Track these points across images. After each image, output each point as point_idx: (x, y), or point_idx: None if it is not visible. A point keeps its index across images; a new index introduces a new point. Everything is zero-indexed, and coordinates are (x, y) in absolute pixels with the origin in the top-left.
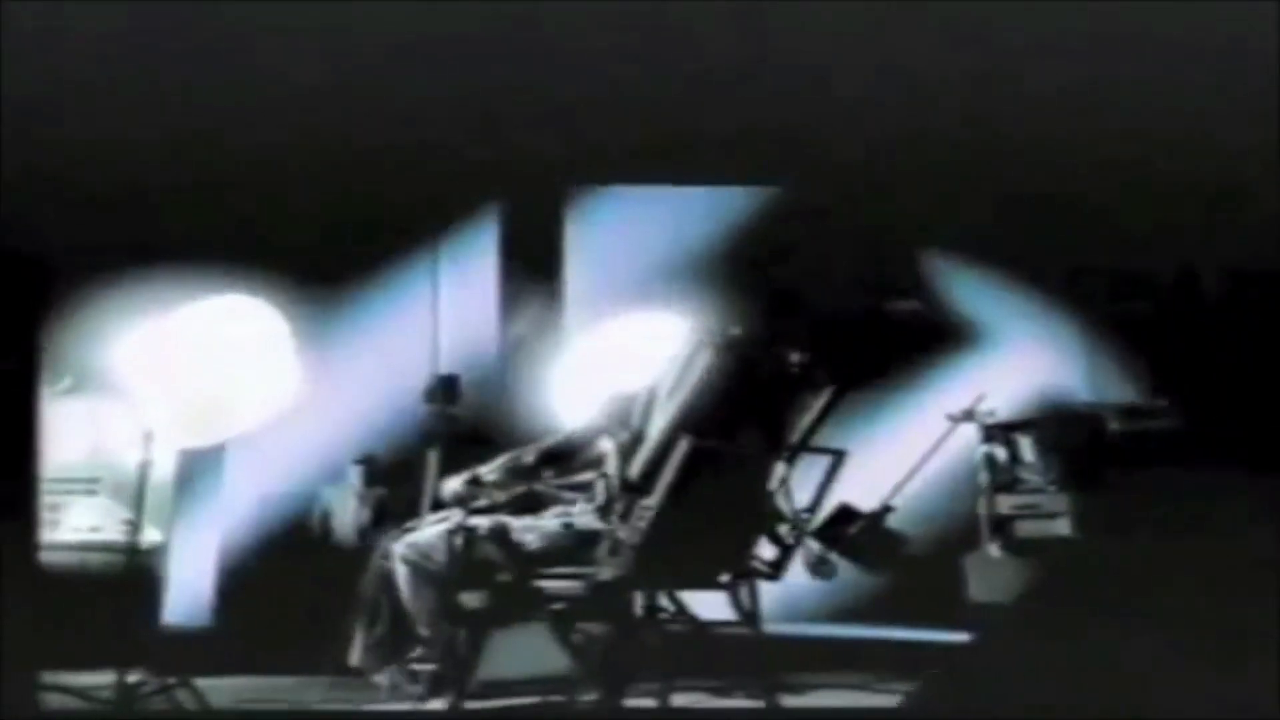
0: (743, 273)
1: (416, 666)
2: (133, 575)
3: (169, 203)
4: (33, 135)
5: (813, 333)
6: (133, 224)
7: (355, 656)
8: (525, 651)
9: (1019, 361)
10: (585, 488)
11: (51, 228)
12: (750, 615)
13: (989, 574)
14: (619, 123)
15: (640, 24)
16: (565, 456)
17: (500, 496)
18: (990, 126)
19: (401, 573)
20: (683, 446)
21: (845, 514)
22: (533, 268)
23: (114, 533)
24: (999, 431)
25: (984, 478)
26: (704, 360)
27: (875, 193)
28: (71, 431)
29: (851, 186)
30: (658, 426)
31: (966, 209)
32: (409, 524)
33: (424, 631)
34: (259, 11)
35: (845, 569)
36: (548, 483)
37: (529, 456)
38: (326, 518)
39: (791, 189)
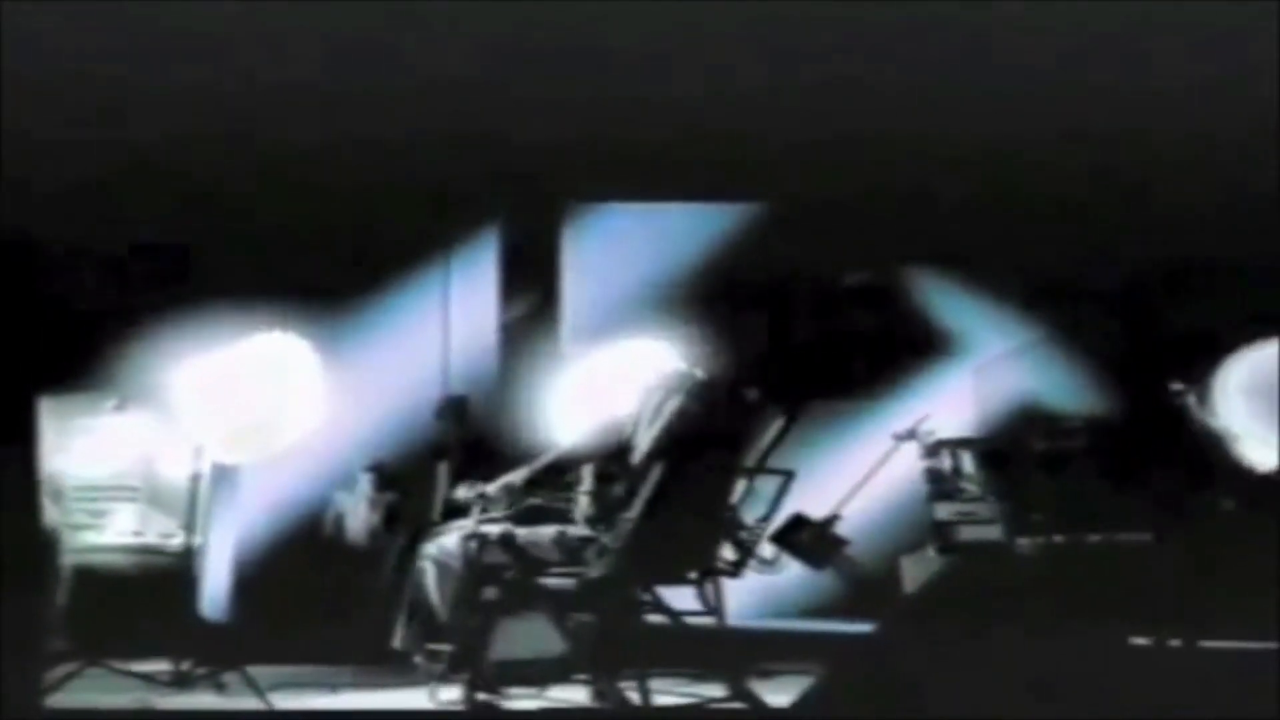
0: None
1: (439, 647)
2: (174, 573)
3: (186, 235)
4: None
5: (767, 370)
6: (162, 254)
7: (398, 641)
8: (529, 637)
9: (966, 379)
10: (570, 502)
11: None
12: (715, 607)
13: (924, 572)
14: (616, 141)
15: (637, 43)
16: (555, 476)
17: (500, 509)
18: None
19: (429, 571)
20: (657, 470)
21: (798, 521)
22: (532, 282)
23: (153, 536)
24: (945, 446)
25: (925, 489)
26: (674, 399)
27: (859, 207)
28: (117, 445)
29: (837, 202)
30: (638, 452)
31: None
32: (436, 530)
33: (447, 619)
34: (267, 36)
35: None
36: (544, 498)
37: (523, 476)
38: (340, 520)
39: (780, 205)
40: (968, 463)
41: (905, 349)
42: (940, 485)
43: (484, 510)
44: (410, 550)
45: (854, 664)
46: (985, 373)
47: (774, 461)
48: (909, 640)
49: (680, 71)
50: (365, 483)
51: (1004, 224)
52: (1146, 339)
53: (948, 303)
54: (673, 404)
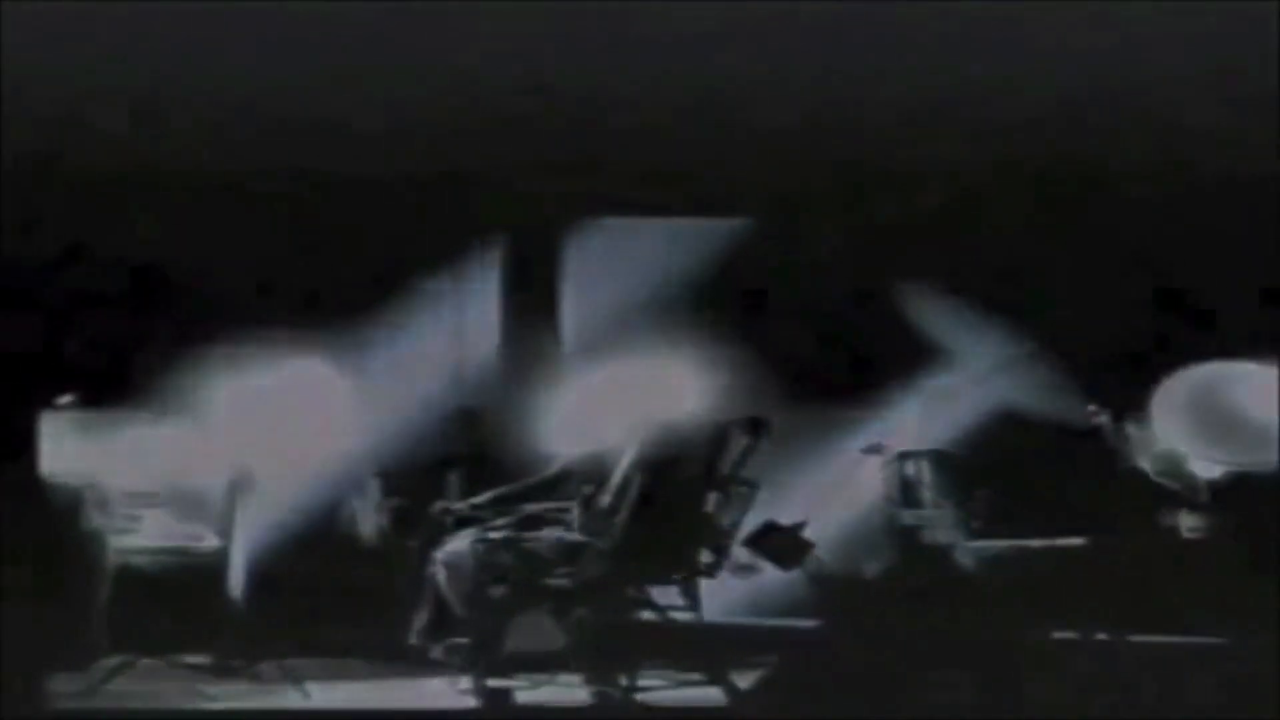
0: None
1: (455, 642)
2: (202, 573)
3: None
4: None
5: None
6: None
7: (413, 638)
8: (534, 632)
9: (933, 393)
10: (566, 511)
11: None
12: (695, 604)
13: (886, 573)
14: (614, 158)
15: (630, 67)
16: (545, 489)
17: (493, 518)
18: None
19: (441, 574)
20: (637, 481)
21: (770, 526)
22: (536, 296)
23: (182, 539)
24: (909, 457)
25: (889, 497)
26: (651, 424)
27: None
28: (150, 454)
29: (830, 215)
30: (621, 468)
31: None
32: (447, 535)
33: (460, 616)
34: (280, 60)
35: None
36: (538, 508)
37: (516, 489)
38: (352, 523)
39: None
40: (929, 472)
41: (880, 362)
42: (904, 494)
43: (480, 519)
44: (424, 553)
45: (807, 655)
46: (952, 387)
47: (752, 473)
48: (859, 633)
49: (676, 89)
50: (374, 488)
51: (981, 243)
52: (1095, 358)
53: (922, 318)
54: (650, 429)
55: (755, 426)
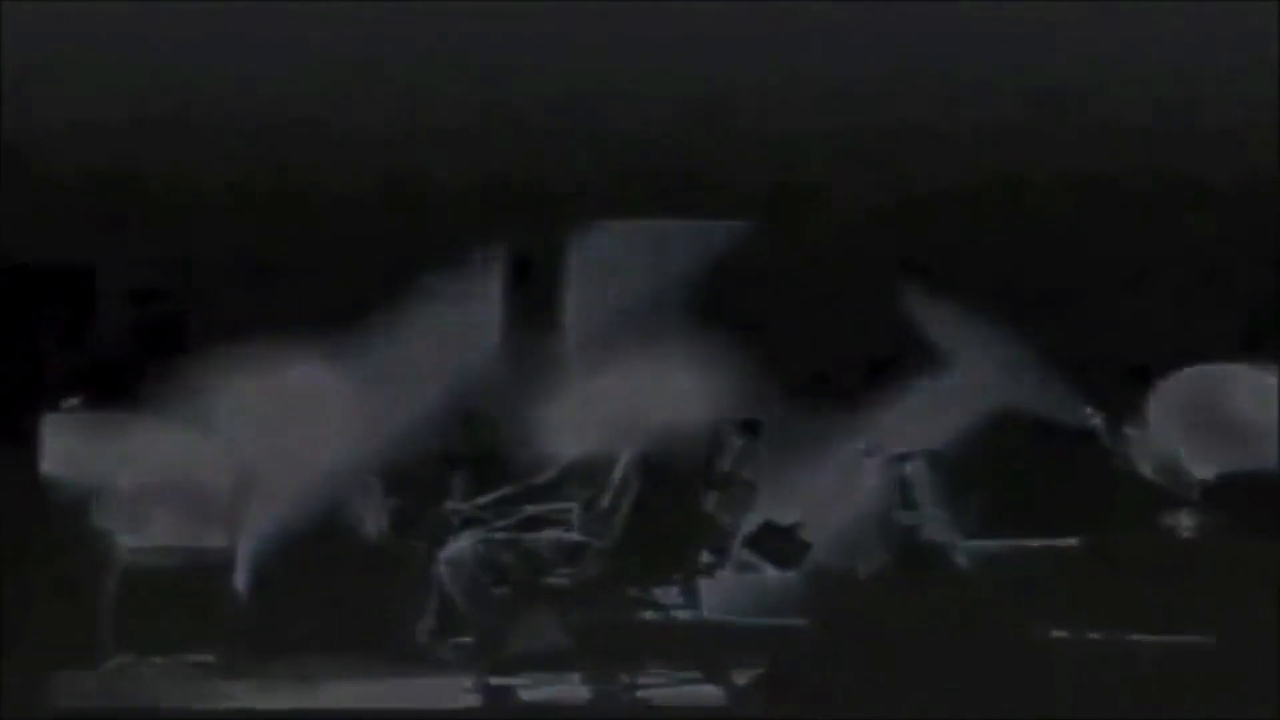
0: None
1: (460, 641)
2: (208, 572)
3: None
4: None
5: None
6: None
7: (421, 636)
8: (536, 631)
9: (932, 393)
10: (567, 512)
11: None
12: (694, 603)
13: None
14: (615, 159)
15: (631, 69)
16: (547, 490)
17: (495, 519)
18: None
19: (446, 574)
20: (636, 481)
21: (768, 527)
22: (535, 297)
23: (188, 539)
24: (907, 458)
25: (887, 497)
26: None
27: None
28: (156, 455)
29: (828, 219)
30: (621, 469)
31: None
32: (452, 535)
33: (464, 615)
34: (282, 62)
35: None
36: (539, 508)
37: (519, 490)
38: (357, 524)
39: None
40: (927, 473)
41: (880, 363)
42: (902, 494)
43: (483, 520)
44: (430, 554)
45: (804, 654)
46: (951, 388)
47: (751, 473)
48: (857, 632)
49: (677, 89)
50: (378, 488)
51: (981, 245)
52: (1093, 360)
53: (922, 320)
54: (649, 430)
55: (751, 428)
